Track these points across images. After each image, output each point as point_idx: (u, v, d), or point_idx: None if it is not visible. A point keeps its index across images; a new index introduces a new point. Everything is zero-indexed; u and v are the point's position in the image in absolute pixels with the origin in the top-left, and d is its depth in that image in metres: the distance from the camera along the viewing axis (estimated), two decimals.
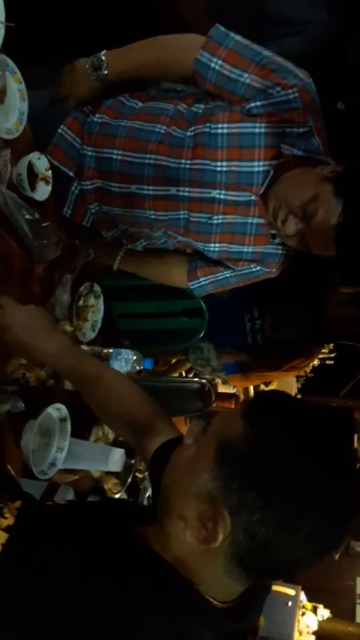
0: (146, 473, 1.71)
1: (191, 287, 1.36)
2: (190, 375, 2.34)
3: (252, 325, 2.02)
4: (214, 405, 2.16)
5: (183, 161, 1.13)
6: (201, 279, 1.34)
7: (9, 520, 0.62)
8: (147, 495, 1.81)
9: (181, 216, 1.19)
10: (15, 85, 1.06)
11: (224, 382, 2.35)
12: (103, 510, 0.81)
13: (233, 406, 2.66)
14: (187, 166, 1.13)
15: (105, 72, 1.14)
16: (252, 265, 1.26)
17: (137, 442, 0.93)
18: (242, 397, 2.67)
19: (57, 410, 1.25)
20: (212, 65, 1.10)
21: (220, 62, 1.09)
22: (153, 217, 1.20)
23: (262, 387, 2.51)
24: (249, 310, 2.00)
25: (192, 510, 0.62)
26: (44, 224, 1.13)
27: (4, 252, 1.04)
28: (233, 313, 1.97)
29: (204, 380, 2.21)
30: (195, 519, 0.62)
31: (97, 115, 1.19)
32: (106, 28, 1.36)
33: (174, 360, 2.27)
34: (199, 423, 0.70)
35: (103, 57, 1.14)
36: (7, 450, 1.15)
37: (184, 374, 2.42)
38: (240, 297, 1.97)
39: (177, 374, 2.35)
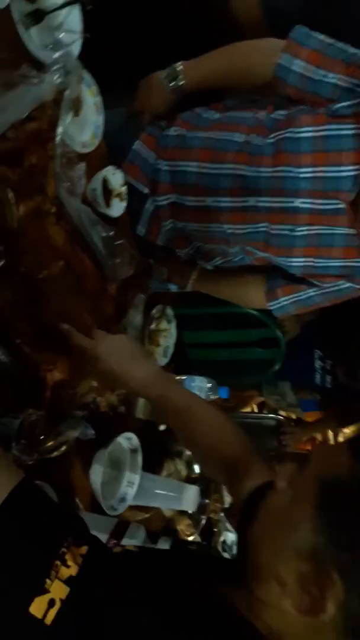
0: (221, 514, 1.58)
1: (271, 308, 1.25)
2: (265, 411, 2.20)
3: (323, 364, 1.88)
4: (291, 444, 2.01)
5: (263, 169, 1.05)
6: (281, 299, 1.23)
7: (72, 570, 0.49)
8: (221, 539, 1.67)
9: (260, 229, 1.11)
10: (92, 99, 1.04)
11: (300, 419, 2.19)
12: (180, 562, 0.70)
13: (310, 448, 2.47)
14: (268, 174, 1.05)
15: (182, 82, 1.11)
16: (339, 282, 1.14)
17: (229, 482, 0.84)
18: (319, 437, 2.47)
19: (127, 440, 1.16)
20: (294, 67, 1.03)
21: (302, 63, 1.02)
22: (230, 231, 1.13)
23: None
24: (319, 347, 1.87)
25: (290, 571, 0.51)
26: (118, 242, 1.09)
27: (78, 269, 0.99)
28: (302, 347, 1.85)
29: (280, 417, 2.08)
30: (294, 583, 0.50)
31: (173, 129, 1.15)
32: (163, 38, 1.32)
33: (246, 394, 2.14)
34: (291, 463, 0.59)
35: (179, 68, 1.11)
36: (75, 481, 1.07)
37: (255, 409, 2.28)
38: (311, 330, 1.85)
39: (248, 409, 2.22)
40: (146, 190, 1.17)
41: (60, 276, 0.94)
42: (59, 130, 0.90)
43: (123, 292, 1.10)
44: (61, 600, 0.47)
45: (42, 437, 0.87)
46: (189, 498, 1.22)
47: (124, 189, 1.10)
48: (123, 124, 1.21)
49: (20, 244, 0.86)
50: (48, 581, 0.47)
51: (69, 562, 0.49)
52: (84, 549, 0.51)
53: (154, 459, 1.27)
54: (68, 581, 0.48)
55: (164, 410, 0.90)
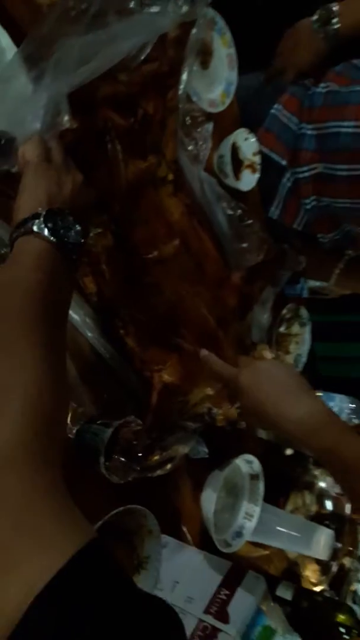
0: (356, 562, 1.30)
1: None
2: None
3: None
4: None
5: None
6: None
7: None
8: (352, 588, 1.38)
9: None
10: (224, 50, 0.86)
11: None
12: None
13: None
14: None
15: (336, 25, 0.89)
16: None
17: None
18: None
19: (248, 464, 0.96)
20: None
21: None
22: None
23: None
24: None
25: None
26: (246, 222, 0.90)
27: (196, 251, 0.82)
28: None
29: None
30: None
31: (322, 85, 0.93)
32: None
33: None
34: None
35: (335, 8, 0.89)
36: (183, 506, 0.89)
37: None
38: None
39: None
40: (284, 162, 0.97)
41: (175, 258, 0.77)
42: (183, 77, 0.74)
43: (249, 283, 0.90)
44: None
45: (141, 453, 0.70)
46: (320, 543, 0.98)
47: (257, 158, 0.91)
48: (259, 88, 1.03)
49: (128, 214, 0.71)
50: None
51: None
52: None
53: (279, 489, 1.05)
54: None
55: (331, 464, 0.66)
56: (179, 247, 0.76)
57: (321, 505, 1.16)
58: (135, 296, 0.73)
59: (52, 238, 0.50)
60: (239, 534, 0.97)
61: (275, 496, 1.04)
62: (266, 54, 1.04)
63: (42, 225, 0.49)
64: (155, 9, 0.66)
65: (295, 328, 1.14)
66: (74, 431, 0.59)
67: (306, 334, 1.15)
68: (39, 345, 0.42)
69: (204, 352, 0.76)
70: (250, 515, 0.98)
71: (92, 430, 0.58)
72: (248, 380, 0.69)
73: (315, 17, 0.91)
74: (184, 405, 0.81)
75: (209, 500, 0.90)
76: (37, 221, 0.50)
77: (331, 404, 1.08)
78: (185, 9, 0.67)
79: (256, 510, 0.98)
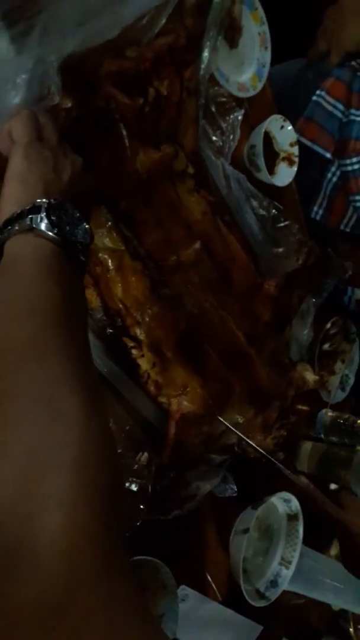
0: None
1: None
2: None
3: None
4: None
5: None
6: None
7: None
8: None
9: None
10: (255, 27, 0.76)
11: None
12: None
13: None
14: None
15: None
16: None
17: None
18: None
19: (285, 503, 0.84)
20: None
21: None
22: None
23: None
24: None
25: None
26: (282, 223, 0.78)
27: (224, 257, 0.71)
28: None
29: None
30: None
31: None
32: None
33: None
34: None
35: None
36: (207, 551, 0.77)
37: None
38: None
39: None
40: (328, 154, 0.85)
41: (196, 265, 0.66)
42: (205, 54, 0.63)
43: (287, 293, 0.78)
44: None
45: (157, 489, 0.59)
46: None
47: (295, 149, 0.79)
48: (298, 74, 0.91)
49: (138, 213, 0.60)
50: None
51: None
52: None
53: (321, 531, 0.91)
54: None
55: None
56: (200, 252, 0.65)
57: None
58: (151, 310, 0.62)
59: (58, 237, 0.38)
60: (274, 584, 0.84)
61: (317, 540, 0.90)
62: (306, 38, 0.92)
63: (45, 221, 0.38)
64: None
65: (342, 345, 1.00)
66: None
67: (355, 351, 1.02)
68: (77, 391, 0.31)
69: (304, 482, 0.69)
70: (287, 562, 0.85)
71: None
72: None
73: None
74: (209, 437, 0.70)
75: (239, 543, 0.78)
76: (37, 216, 0.38)
77: None
78: None
79: (295, 556, 0.85)
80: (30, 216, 0.38)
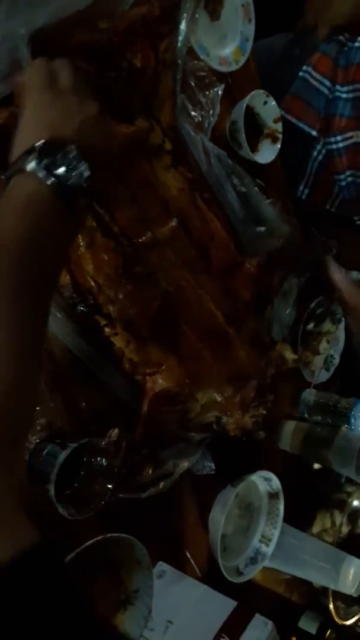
0: None
1: None
2: None
3: None
4: None
5: None
6: None
7: None
8: None
9: None
10: None
11: None
12: None
13: None
14: None
15: None
16: None
17: None
18: None
19: (266, 481, 0.84)
20: None
21: None
22: None
23: None
24: None
25: None
26: (265, 201, 0.77)
27: (202, 234, 0.70)
28: None
29: None
30: None
31: None
32: None
33: None
34: None
35: None
36: (186, 528, 0.78)
37: None
38: None
39: None
40: (314, 132, 0.83)
41: (172, 242, 0.65)
42: (182, 26, 0.62)
43: (268, 272, 0.77)
44: None
45: (124, 471, 0.59)
46: (349, 575, 0.85)
47: (278, 125, 0.77)
48: (284, 49, 0.89)
49: (114, 191, 0.59)
50: None
51: None
52: None
53: (303, 509, 0.92)
54: None
55: None
56: (176, 229, 0.65)
57: (354, 526, 1.02)
58: (124, 288, 0.62)
59: (46, 179, 0.40)
60: (253, 560, 0.85)
61: (299, 518, 0.91)
62: (293, 11, 0.90)
63: (36, 162, 0.40)
64: None
65: (327, 325, 0.99)
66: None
67: (339, 332, 1.01)
68: (12, 321, 0.35)
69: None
70: (267, 539, 0.86)
71: (48, 451, 0.48)
72: None
73: None
74: (184, 415, 0.70)
75: (217, 520, 0.78)
76: (29, 157, 0.40)
77: None
78: None
79: (275, 533, 0.86)
80: (25, 158, 0.40)
